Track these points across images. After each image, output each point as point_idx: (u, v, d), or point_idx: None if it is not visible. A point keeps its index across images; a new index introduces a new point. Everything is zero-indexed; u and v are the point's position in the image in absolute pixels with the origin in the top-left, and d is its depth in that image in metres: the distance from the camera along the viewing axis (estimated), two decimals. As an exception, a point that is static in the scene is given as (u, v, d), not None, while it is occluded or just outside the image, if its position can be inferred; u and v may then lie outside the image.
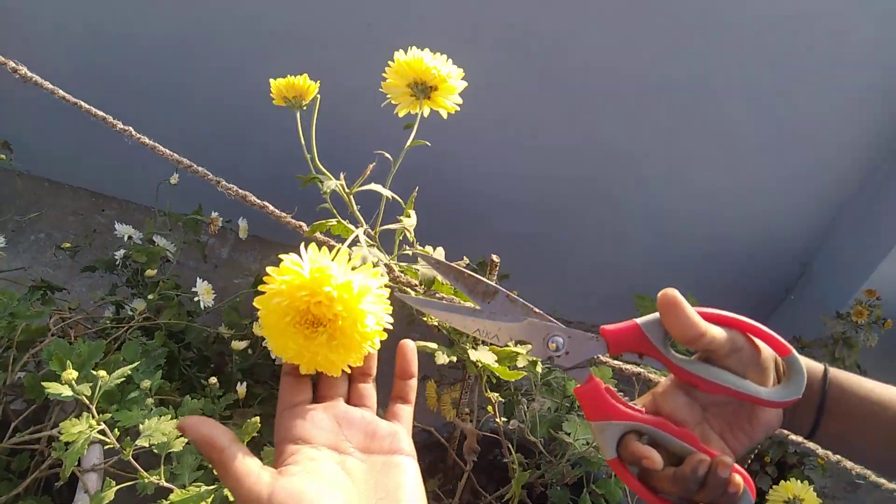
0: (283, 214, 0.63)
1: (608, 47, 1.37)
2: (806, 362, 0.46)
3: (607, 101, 1.46)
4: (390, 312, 0.42)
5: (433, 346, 0.67)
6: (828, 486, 1.67)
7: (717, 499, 0.43)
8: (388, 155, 0.61)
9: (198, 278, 1.31)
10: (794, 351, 0.44)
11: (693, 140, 1.48)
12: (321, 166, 0.60)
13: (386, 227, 0.62)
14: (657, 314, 0.45)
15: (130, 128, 0.63)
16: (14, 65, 0.59)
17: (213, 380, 1.05)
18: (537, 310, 0.47)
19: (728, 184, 1.53)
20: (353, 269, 0.42)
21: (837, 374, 0.47)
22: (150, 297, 1.28)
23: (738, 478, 0.43)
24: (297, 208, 0.67)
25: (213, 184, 0.63)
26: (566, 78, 1.44)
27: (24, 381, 1.04)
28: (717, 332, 0.43)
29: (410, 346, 0.45)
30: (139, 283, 1.38)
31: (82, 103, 0.60)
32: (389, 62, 0.59)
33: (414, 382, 0.46)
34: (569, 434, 0.89)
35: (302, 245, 0.41)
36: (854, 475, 0.71)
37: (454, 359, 0.66)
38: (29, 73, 0.59)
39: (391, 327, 0.42)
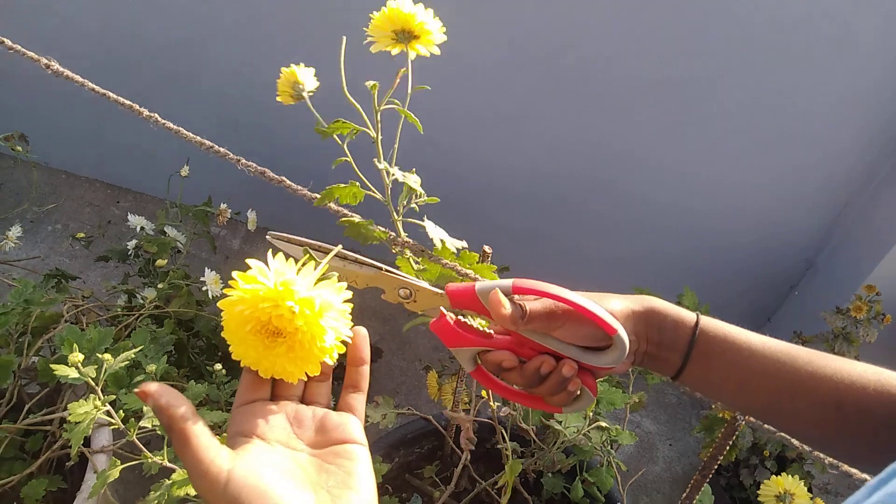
0: (300, 188, 0.67)
1: (613, 43, 1.38)
2: (680, 311, 0.51)
3: (612, 96, 1.47)
4: (350, 327, 0.43)
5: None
6: (831, 482, 1.67)
7: (559, 395, 0.51)
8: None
9: (206, 268, 1.34)
10: (620, 330, 0.49)
11: (697, 136, 1.48)
12: (349, 97, 0.63)
13: (397, 176, 0.65)
14: (495, 283, 0.50)
15: (156, 114, 0.67)
16: (46, 61, 0.62)
17: (219, 366, 1.08)
18: (390, 269, 0.52)
19: (732, 180, 1.54)
20: (318, 281, 0.42)
21: (709, 324, 0.51)
22: (160, 286, 1.31)
23: (577, 380, 0.51)
24: (313, 183, 0.70)
25: (233, 162, 0.66)
26: (571, 73, 1.45)
27: (38, 365, 1.08)
28: (533, 325, 0.50)
29: (362, 333, 0.46)
30: (150, 272, 1.42)
31: (110, 94, 0.63)
32: (380, 9, 0.63)
33: (366, 369, 0.47)
34: (560, 422, 0.91)
35: (269, 252, 0.42)
36: (858, 473, 0.71)
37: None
38: (60, 68, 0.63)
39: (350, 341, 0.44)
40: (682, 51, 1.36)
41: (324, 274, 0.44)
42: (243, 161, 0.68)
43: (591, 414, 0.91)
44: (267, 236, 0.51)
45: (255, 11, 1.55)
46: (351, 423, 0.44)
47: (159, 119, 0.68)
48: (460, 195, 1.73)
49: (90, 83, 0.68)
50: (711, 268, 1.71)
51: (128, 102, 0.68)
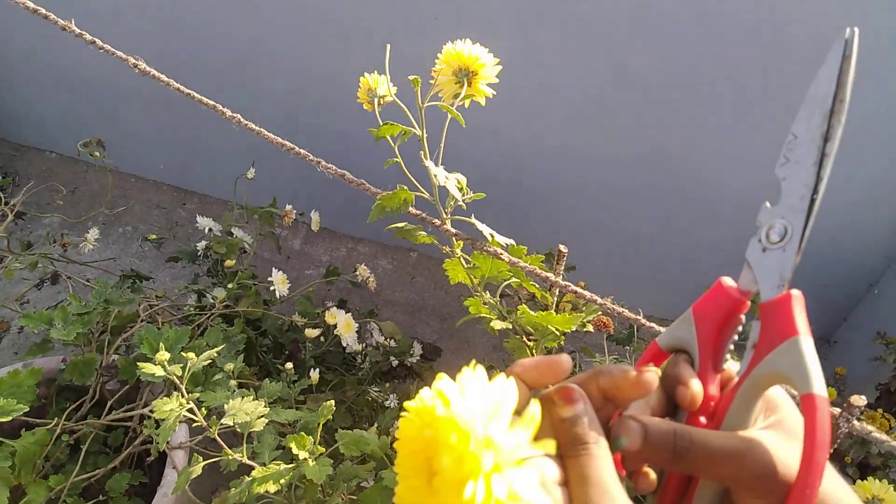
0: (378, 190, 0.66)
1: (686, 28, 1.33)
2: None
3: (688, 81, 1.42)
4: None
5: (487, 305, 0.68)
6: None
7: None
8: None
9: (273, 269, 1.36)
10: None
11: (771, 128, 1.43)
12: (393, 96, 0.62)
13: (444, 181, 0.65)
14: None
15: (238, 115, 0.68)
16: (134, 60, 0.64)
17: (289, 365, 1.10)
18: None
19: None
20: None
21: None
22: (229, 286, 1.34)
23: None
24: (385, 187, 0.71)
25: (313, 164, 0.67)
26: (643, 57, 1.41)
27: (118, 363, 1.11)
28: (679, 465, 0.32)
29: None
30: (219, 272, 1.45)
31: (195, 94, 0.65)
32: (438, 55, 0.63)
33: None
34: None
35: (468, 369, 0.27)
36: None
37: (509, 326, 0.67)
38: (147, 68, 0.64)
39: None
40: (764, 36, 1.31)
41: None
42: (323, 163, 0.69)
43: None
44: None
45: (308, 13, 1.56)
46: None
47: (242, 120, 0.69)
48: (525, 189, 1.71)
49: (175, 83, 0.69)
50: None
51: (211, 103, 0.69)
